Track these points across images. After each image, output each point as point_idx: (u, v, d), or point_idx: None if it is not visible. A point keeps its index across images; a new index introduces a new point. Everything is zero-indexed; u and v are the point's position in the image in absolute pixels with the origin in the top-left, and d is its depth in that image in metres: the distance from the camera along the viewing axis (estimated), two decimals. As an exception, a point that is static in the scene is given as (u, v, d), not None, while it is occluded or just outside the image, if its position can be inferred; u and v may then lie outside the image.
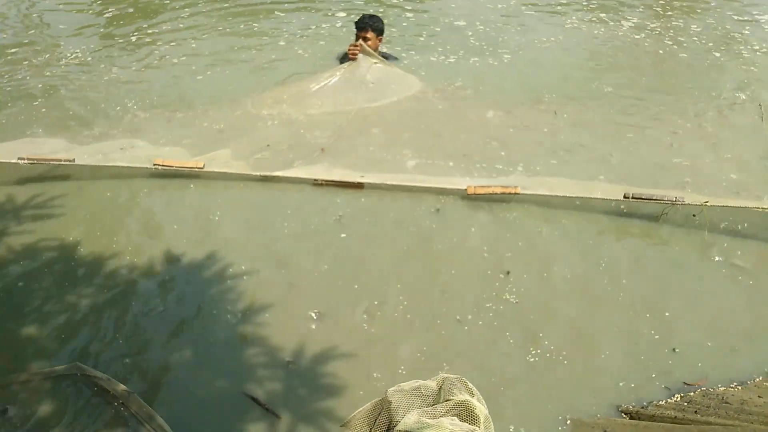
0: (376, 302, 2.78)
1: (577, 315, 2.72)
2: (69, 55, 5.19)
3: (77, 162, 3.50)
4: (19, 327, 2.63)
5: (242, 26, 5.84)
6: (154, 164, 3.50)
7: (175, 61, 5.13)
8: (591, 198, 3.30)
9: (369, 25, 4.58)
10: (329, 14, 6.13)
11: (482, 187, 3.39)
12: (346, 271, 2.97)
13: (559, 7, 6.36)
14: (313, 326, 2.67)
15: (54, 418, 2.27)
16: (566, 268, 2.96)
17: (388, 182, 3.49)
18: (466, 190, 3.38)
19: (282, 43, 5.52)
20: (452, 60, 5.21)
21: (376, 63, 4.50)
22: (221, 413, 2.32)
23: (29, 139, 3.86)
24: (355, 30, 4.66)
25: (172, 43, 5.44)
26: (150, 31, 5.68)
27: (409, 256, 3.06)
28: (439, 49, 5.40)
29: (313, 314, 2.71)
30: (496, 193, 3.35)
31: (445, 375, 1.22)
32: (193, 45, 5.43)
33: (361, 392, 2.37)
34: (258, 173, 3.54)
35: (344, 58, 4.72)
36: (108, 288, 2.84)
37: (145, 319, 2.70)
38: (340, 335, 2.62)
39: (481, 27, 5.83)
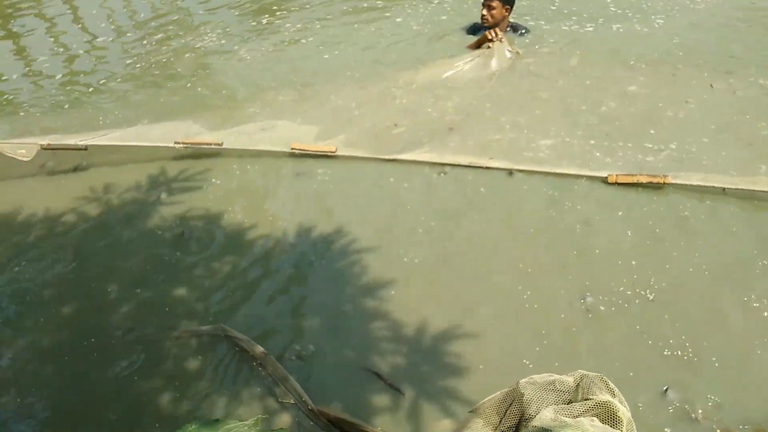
0: (506, 289, 2.71)
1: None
2: (206, 38, 5.54)
3: (225, 145, 3.74)
4: (170, 289, 2.90)
5: (365, 4, 5.87)
6: (291, 148, 3.66)
7: (304, 41, 5.28)
8: (755, 190, 2.93)
9: None
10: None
11: (625, 175, 3.13)
12: (476, 253, 2.92)
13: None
14: (437, 304, 2.66)
15: (199, 373, 2.49)
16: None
17: (518, 167, 3.36)
18: (606, 177, 3.15)
19: (409, 18, 5.48)
20: (590, 28, 4.85)
21: (509, 55, 4.37)
22: (346, 382, 2.40)
23: (179, 122, 4.18)
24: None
25: (298, 25, 5.59)
26: (278, 13, 5.89)
27: (544, 244, 2.94)
28: (573, 17, 5.05)
29: (442, 292, 2.70)
30: (642, 183, 3.10)
31: (584, 372, 1.14)
32: (318, 25, 5.55)
33: (484, 377, 2.34)
34: (387, 156, 3.56)
35: (473, 30, 4.62)
36: (247, 257, 3.04)
37: (278, 287, 2.86)
38: (465, 317, 2.59)
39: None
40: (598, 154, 3.43)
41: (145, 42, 5.51)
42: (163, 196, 3.50)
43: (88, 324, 2.74)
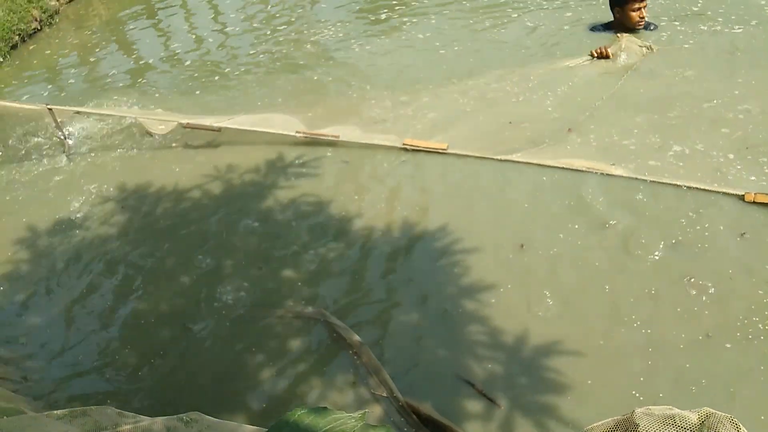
0: (619, 309, 2.55)
1: None
2: (326, 32, 5.65)
3: (341, 138, 3.84)
4: (279, 269, 3.02)
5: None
6: (403, 144, 3.69)
7: (420, 36, 5.27)
8: None
9: None
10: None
11: (766, 195, 2.82)
12: (590, 269, 2.77)
13: None
14: (542, 315, 2.55)
15: (298, 354, 2.57)
16: None
17: (644, 177, 3.14)
18: (743, 196, 2.86)
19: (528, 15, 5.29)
20: (738, 30, 4.40)
21: (642, 48, 4.10)
22: (439, 382, 2.37)
23: (298, 110, 4.32)
24: (628, 3, 4.26)
25: (414, 20, 5.58)
26: (397, 8, 5.90)
27: (665, 268, 2.72)
28: (719, 19, 4.61)
29: (548, 302, 2.59)
30: None
31: (711, 410, 1.03)
32: (434, 21, 5.50)
33: (588, 398, 2.21)
34: (500, 157, 3.46)
35: (602, 29, 4.40)
36: (352, 246, 3.09)
37: (378, 278, 2.88)
38: (572, 331, 2.46)
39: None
40: (738, 167, 3.11)
41: (268, 33, 5.78)
42: (280, 180, 3.66)
43: (201, 294, 2.93)
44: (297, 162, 3.81)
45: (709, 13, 4.73)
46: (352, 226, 3.21)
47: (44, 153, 4.16)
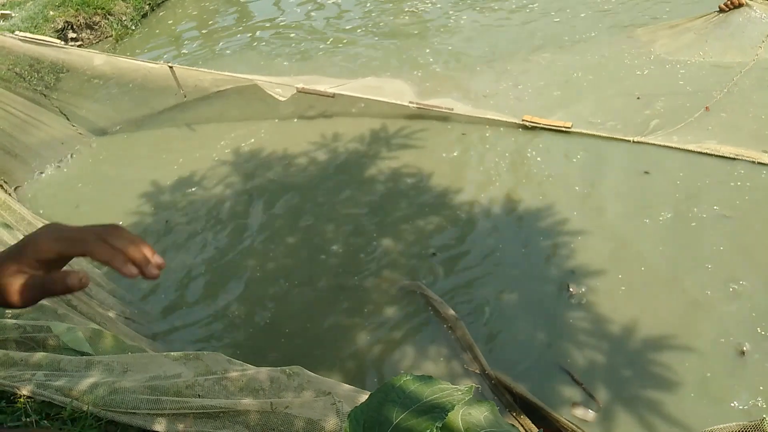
0: (736, 299, 2.34)
1: None
2: (429, 3, 5.57)
3: (455, 111, 3.77)
4: (379, 238, 3.07)
5: None
6: (523, 120, 3.54)
7: (529, 9, 5.04)
8: None
9: None
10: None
11: None
12: (714, 266, 2.56)
13: None
14: (654, 303, 2.40)
15: (394, 321, 2.61)
16: None
17: None
18: None
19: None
20: None
21: None
22: (535, 366, 2.31)
23: (407, 78, 4.32)
24: None
25: None
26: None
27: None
28: None
29: (655, 296, 2.44)
30: None
31: None
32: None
33: (692, 394, 2.06)
34: (632, 138, 3.22)
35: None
36: (452, 221, 3.06)
37: (478, 255, 2.84)
38: (681, 329, 2.30)
39: None
40: None
41: (370, 5, 5.79)
42: (384, 151, 3.69)
43: (307, 256, 3.04)
44: (401, 133, 3.81)
45: None
46: (453, 200, 3.18)
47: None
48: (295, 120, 4.13)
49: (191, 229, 3.38)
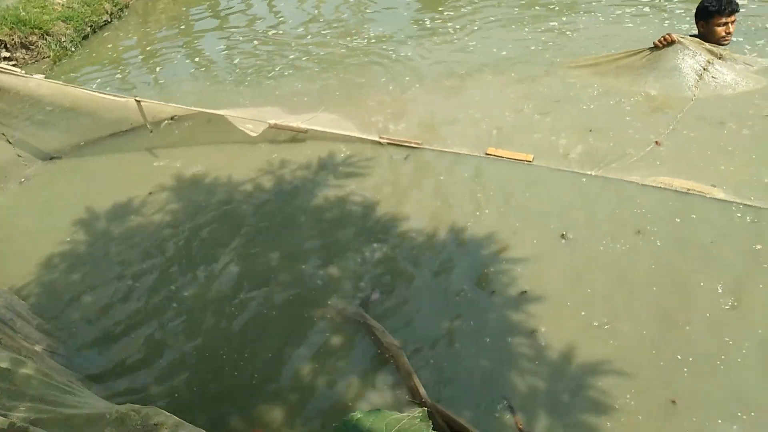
0: (674, 327, 2.44)
1: None
2: (371, 34, 5.71)
3: (423, 145, 3.83)
4: (324, 265, 3.04)
5: (537, 7, 5.65)
6: (486, 153, 3.63)
7: (467, 39, 5.24)
8: None
9: (738, 7, 3.94)
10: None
11: None
12: (658, 294, 2.65)
13: None
14: (590, 332, 2.47)
15: (338, 351, 2.57)
16: None
17: (750, 202, 2.94)
18: None
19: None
20: None
21: (724, 56, 3.89)
22: (476, 394, 2.32)
23: (371, 115, 4.37)
24: (713, 17, 4.04)
25: (457, 26, 5.55)
26: (445, 15, 5.87)
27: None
28: None
29: (596, 322, 2.51)
30: None
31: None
32: (477, 27, 5.45)
33: (636, 417, 2.11)
34: (591, 172, 3.35)
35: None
36: (398, 249, 3.07)
37: (423, 283, 2.85)
38: (619, 349, 2.37)
39: None
40: None
41: (310, 37, 5.85)
42: (331, 178, 3.68)
43: (249, 285, 2.98)
44: (347, 161, 3.82)
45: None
46: (404, 228, 3.20)
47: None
48: (240, 144, 4.08)
49: (126, 258, 3.25)
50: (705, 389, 2.21)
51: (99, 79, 5.42)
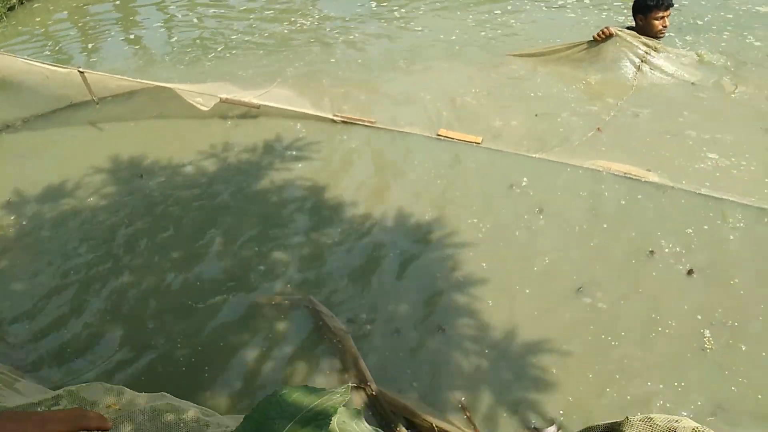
0: (612, 304, 2.54)
1: None
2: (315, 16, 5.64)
3: (376, 124, 3.84)
4: (269, 251, 2.99)
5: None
6: (438, 134, 3.72)
7: (413, 24, 5.26)
8: None
9: (672, 3, 4.10)
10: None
11: None
12: (562, 262, 2.76)
13: None
14: (532, 313, 2.54)
15: (285, 336, 2.55)
16: None
17: (681, 185, 3.12)
18: None
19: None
20: (758, 45, 4.41)
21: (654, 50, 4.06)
22: (421, 372, 2.36)
23: (327, 90, 4.33)
24: (651, 11, 4.18)
25: (403, 10, 5.55)
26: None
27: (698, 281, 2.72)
28: (745, 34, 4.62)
29: (540, 302, 2.59)
30: None
31: (710, 431, 1.00)
32: (422, 12, 5.48)
33: (570, 398, 2.20)
34: (535, 155, 3.45)
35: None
36: (346, 233, 3.06)
37: (370, 267, 2.86)
38: (559, 333, 2.46)
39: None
40: None
41: (254, 16, 5.71)
42: (277, 162, 3.62)
43: (192, 271, 2.89)
44: (295, 144, 3.76)
45: (730, 28, 4.75)
46: (351, 213, 3.18)
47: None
48: (190, 120, 3.94)
49: (59, 245, 3.10)
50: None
51: (26, 55, 5.09)
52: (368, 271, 2.84)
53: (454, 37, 4.96)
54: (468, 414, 2.18)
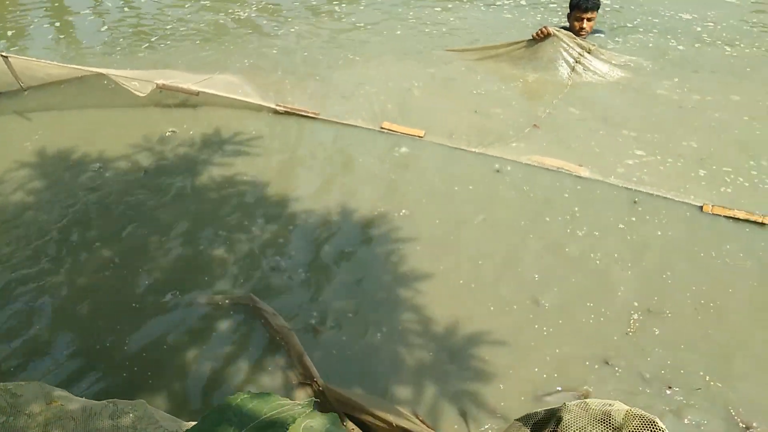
0: (545, 293, 2.64)
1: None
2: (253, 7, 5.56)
3: (321, 116, 3.86)
4: (209, 248, 2.92)
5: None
6: (381, 127, 3.73)
7: (362, 21, 5.27)
8: None
9: (597, 6, 4.29)
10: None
11: (723, 208, 3.02)
12: (505, 256, 2.85)
13: None
14: (471, 307, 2.60)
15: (227, 337, 2.50)
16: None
17: (610, 180, 3.27)
18: (701, 207, 3.05)
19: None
20: (681, 48, 4.68)
21: (581, 49, 4.23)
22: (367, 367, 2.37)
23: (270, 79, 4.25)
24: (575, 11, 4.35)
25: (350, 6, 5.56)
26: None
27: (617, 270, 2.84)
28: (669, 37, 4.87)
29: (487, 299, 2.65)
30: (740, 219, 2.97)
31: (640, 412, 1.07)
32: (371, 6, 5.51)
33: (510, 388, 2.27)
34: (475, 149, 3.53)
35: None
36: (289, 230, 3.03)
37: (314, 263, 2.84)
38: (498, 324, 2.53)
39: (711, 23, 5.10)
40: (701, 180, 3.27)
41: (189, 5, 5.55)
42: (217, 156, 3.53)
43: (125, 272, 2.78)
44: (234, 139, 3.68)
45: (655, 31, 4.99)
46: (295, 209, 3.15)
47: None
48: (125, 110, 3.78)
49: (-18, 243, 2.90)
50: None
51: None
52: (313, 268, 2.82)
53: (398, 32, 4.99)
54: (417, 415, 2.21)
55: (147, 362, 2.38)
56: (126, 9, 5.45)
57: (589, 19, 4.34)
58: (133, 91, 3.67)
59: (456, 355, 2.41)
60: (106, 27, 5.09)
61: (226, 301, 2.64)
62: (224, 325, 2.54)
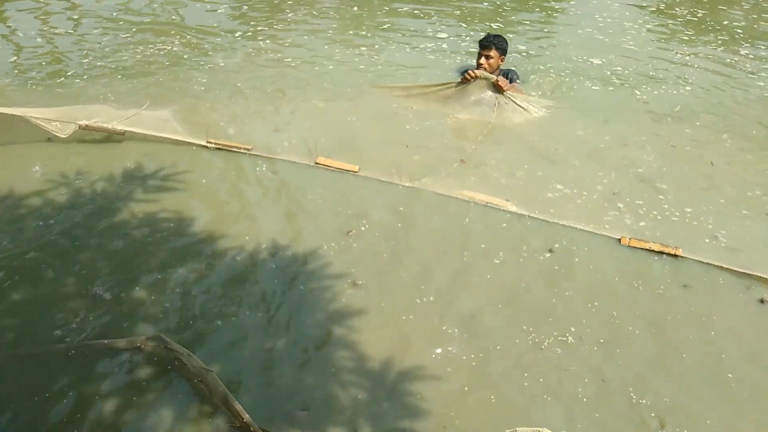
0: (474, 319, 2.67)
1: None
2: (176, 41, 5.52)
3: (254, 151, 3.82)
4: (125, 289, 2.76)
5: (350, 32, 5.97)
6: (316, 162, 3.74)
7: (296, 54, 5.32)
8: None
9: (493, 44, 4.52)
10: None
11: (639, 240, 3.20)
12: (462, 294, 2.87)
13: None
14: (405, 344, 2.59)
15: (146, 382, 2.34)
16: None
17: (534, 214, 3.39)
18: (619, 240, 3.22)
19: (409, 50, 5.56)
20: (597, 89, 5.01)
21: (497, 94, 4.45)
22: (297, 406, 2.30)
23: (204, 118, 4.15)
24: (478, 48, 4.61)
25: (289, 40, 5.63)
26: (257, 29, 5.91)
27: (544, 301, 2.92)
28: (581, 78, 5.20)
29: (408, 318, 2.64)
30: (654, 251, 3.16)
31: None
32: (306, 39, 5.59)
33: (446, 422, 2.26)
34: (408, 184, 3.61)
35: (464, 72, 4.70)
36: (215, 268, 2.92)
37: (245, 305, 2.75)
38: (433, 360, 2.53)
39: (619, 68, 5.51)
40: (621, 214, 3.43)
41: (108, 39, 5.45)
42: (139, 192, 3.38)
43: (37, 316, 2.58)
44: (159, 174, 3.55)
45: (565, 75, 5.32)
46: (221, 246, 3.05)
47: None
48: (39, 144, 3.57)
49: None
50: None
51: None
52: (242, 306, 2.72)
53: (326, 68, 5.05)
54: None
55: (57, 415, 2.19)
56: (39, 39, 5.21)
57: (487, 57, 4.56)
58: (53, 131, 3.52)
59: (391, 392, 2.36)
60: (14, 59, 4.83)
61: (138, 344, 2.48)
62: (142, 371, 2.39)
